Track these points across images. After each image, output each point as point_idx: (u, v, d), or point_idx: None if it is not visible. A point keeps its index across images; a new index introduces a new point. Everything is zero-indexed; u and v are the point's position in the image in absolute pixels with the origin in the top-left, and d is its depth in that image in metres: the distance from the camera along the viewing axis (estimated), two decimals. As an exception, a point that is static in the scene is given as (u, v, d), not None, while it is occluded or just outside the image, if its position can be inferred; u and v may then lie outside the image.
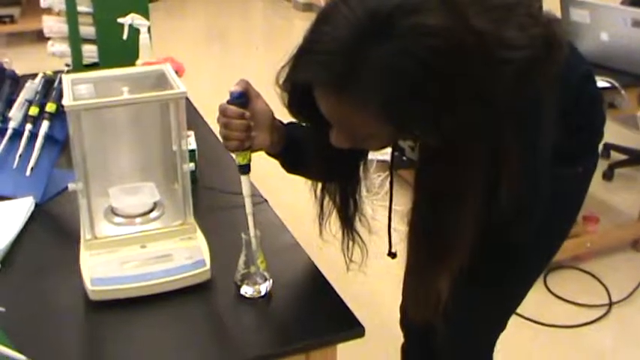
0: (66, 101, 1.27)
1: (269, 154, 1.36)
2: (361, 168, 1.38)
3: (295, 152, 1.35)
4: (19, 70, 1.81)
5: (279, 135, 1.33)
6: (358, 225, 1.41)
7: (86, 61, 2.45)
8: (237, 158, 1.29)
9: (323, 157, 1.27)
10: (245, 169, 1.30)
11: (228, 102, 1.26)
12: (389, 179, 1.47)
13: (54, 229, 1.59)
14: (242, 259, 1.32)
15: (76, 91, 1.37)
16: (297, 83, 1.10)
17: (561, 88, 1.17)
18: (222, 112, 1.26)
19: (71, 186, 1.34)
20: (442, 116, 1.01)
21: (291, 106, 1.20)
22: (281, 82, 1.14)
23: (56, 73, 1.72)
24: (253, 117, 1.27)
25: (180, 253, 1.35)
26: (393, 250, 1.51)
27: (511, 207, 1.14)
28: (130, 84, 1.37)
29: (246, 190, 1.31)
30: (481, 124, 1.04)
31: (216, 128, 2.02)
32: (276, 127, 1.33)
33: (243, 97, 1.26)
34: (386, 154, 1.50)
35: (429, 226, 1.17)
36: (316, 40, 1.04)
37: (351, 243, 1.42)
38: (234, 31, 6.88)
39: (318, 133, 1.20)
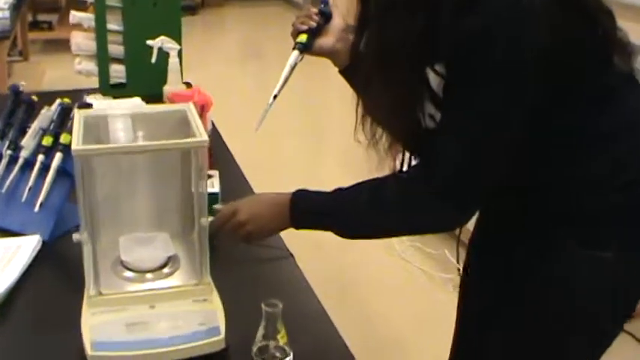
0: (75, 145, 1.14)
1: (339, 69, 1.41)
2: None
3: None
4: (52, 78, 1.70)
5: (345, 48, 1.39)
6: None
7: (113, 81, 2.34)
8: (299, 37, 1.39)
9: None
10: (301, 46, 1.38)
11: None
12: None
13: (60, 274, 1.47)
14: (260, 331, 1.16)
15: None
16: None
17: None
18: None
19: (75, 237, 1.20)
20: None
21: None
22: None
23: (78, 91, 1.59)
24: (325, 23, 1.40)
25: (192, 318, 1.21)
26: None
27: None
28: (150, 125, 1.24)
29: (291, 59, 1.38)
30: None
31: (244, 165, 1.91)
32: (345, 39, 1.39)
33: (327, 7, 1.41)
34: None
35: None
36: None
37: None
38: (271, 47, 6.77)
39: None
